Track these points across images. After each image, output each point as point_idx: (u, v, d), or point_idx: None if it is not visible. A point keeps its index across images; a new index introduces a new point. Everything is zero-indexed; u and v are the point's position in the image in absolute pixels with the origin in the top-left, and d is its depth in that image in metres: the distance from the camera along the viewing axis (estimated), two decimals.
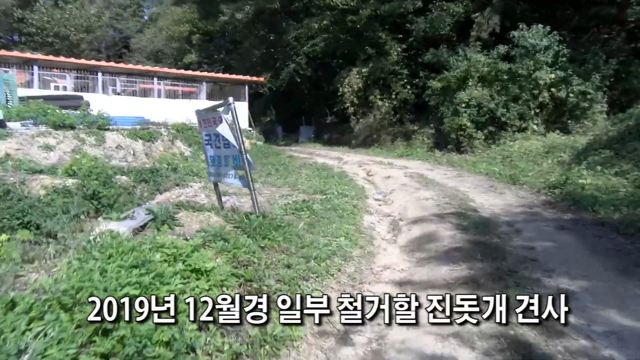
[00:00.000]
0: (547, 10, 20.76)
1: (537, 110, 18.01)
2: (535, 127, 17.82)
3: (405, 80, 25.28)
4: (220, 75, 23.37)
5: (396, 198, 11.20)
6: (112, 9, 71.08)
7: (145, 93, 21.86)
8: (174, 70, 22.67)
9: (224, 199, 9.14)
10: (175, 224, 5.23)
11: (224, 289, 3.85)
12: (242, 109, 21.86)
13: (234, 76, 23.76)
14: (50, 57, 18.24)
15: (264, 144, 20.54)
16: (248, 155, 6.62)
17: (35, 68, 17.94)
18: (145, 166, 11.73)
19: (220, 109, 6.65)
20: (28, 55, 18.60)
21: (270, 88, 32.51)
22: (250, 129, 21.27)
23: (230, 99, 6.45)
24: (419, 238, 7.57)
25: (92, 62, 18.62)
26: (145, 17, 71.90)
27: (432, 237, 7.44)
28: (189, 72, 22.37)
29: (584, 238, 7.17)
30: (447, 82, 20.62)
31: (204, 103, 21.13)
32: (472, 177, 13.67)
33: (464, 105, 18.70)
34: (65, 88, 23.54)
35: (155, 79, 20.02)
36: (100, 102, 17.55)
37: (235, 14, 27.14)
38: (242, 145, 6.37)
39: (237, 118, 6.40)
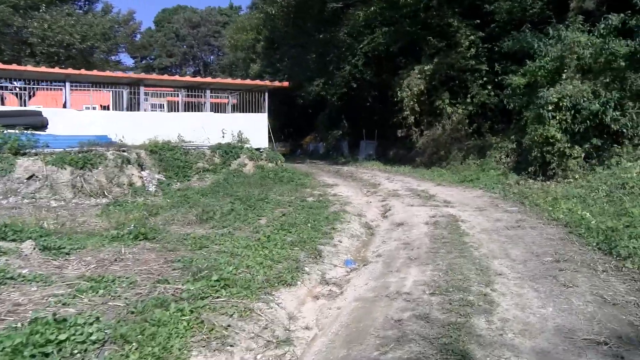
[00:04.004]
0: None
1: None
2: None
3: (485, 79, 19.14)
4: (227, 80, 18.96)
5: (356, 284, 5.97)
6: (208, 26, 72.12)
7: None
8: (155, 76, 18.80)
9: None
10: None
11: None
12: (257, 122, 17.29)
13: (247, 81, 19.03)
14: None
15: (276, 165, 15.92)
16: None
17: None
18: None
19: None
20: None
21: (340, 97, 27.79)
22: (261, 147, 16.66)
23: None
24: None
25: (56, 70, 15.50)
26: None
27: None
28: (186, 78, 18.50)
29: None
30: (532, 75, 14.45)
31: (206, 116, 16.99)
32: (538, 231, 7.83)
33: (551, 107, 12.49)
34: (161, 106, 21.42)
35: (142, 88, 16.37)
36: (67, 119, 14.31)
37: (268, 9, 22.86)
38: None
39: None
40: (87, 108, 18.60)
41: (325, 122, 32.68)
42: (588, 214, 8.12)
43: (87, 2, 26.81)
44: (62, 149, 11.69)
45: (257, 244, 7.24)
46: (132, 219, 8.18)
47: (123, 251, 6.65)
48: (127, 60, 72.58)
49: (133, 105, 17.88)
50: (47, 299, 4.78)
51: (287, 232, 8.08)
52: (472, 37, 18.89)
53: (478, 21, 19.10)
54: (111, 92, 19.00)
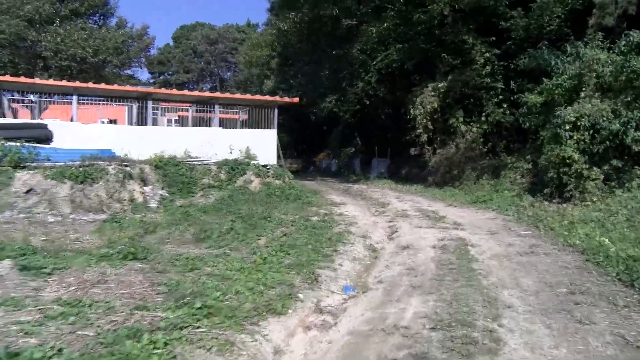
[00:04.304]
0: None
1: None
2: None
3: (501, 97, 18.65)
4: (236, 96, 18.75)
5: (352, 314, 5.53)
6: (226, 43, 72.66)
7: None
8: (164, 91, 18.49)
9: None
10: None
11: None
12: (266, 138, 17.01)
13: (256, 97, 18.84)
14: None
15: (284, 182, 15.54)
16: None
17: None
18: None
19: None
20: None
21: (353, 114, 27.44)
22: (269, 164, 16.30)
23: None
24: None
25: (64, 82, 15.38)
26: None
27: None
28: (194, 93, 18.32)
29: None
30: (549, 94, 13.96)
31: (214, 131, 16.74)
32: (552, 258, 7.31)
33: (568, 126, 11.97)
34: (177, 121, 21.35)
35: (150, 102, 16.24)
36: (74, 132, 14.19)
37: (280, 25, 22.73)
38: None
39: None
40: (103, 122, 18.40)
41: (338, 139, 32.35)
42: (607, 240, 7.58)
43: (102, 17, 27.14)
44: (63, 163, 11.50)
45: (252, 266, 6.86)
46: (124, 237, 7.85)
47: (108, 272, 6.30)
48: (144, 75, 73.38)
49: (144, 120, 17.77)
50: (9, 327, 4.43)
51: (285, 254, 7.68)
52: (487, 55, 18.45)
53: (494, 38, 18.67)
54: (126, 106, 18.95)
